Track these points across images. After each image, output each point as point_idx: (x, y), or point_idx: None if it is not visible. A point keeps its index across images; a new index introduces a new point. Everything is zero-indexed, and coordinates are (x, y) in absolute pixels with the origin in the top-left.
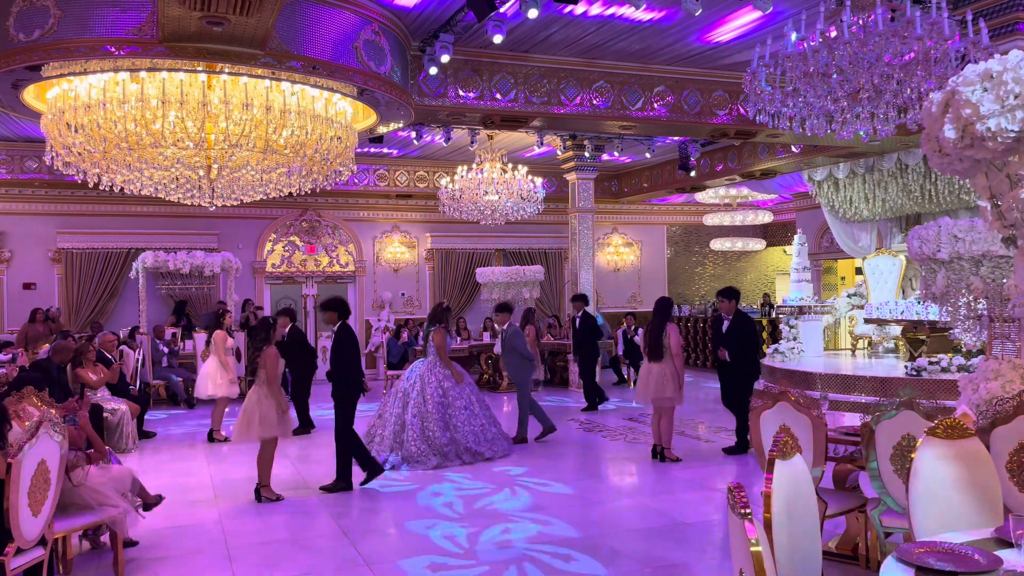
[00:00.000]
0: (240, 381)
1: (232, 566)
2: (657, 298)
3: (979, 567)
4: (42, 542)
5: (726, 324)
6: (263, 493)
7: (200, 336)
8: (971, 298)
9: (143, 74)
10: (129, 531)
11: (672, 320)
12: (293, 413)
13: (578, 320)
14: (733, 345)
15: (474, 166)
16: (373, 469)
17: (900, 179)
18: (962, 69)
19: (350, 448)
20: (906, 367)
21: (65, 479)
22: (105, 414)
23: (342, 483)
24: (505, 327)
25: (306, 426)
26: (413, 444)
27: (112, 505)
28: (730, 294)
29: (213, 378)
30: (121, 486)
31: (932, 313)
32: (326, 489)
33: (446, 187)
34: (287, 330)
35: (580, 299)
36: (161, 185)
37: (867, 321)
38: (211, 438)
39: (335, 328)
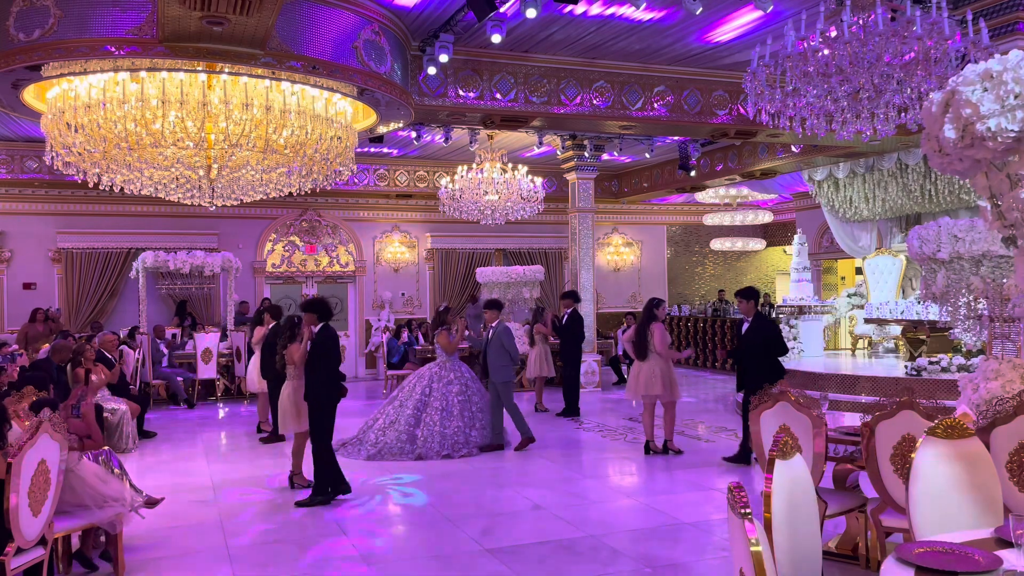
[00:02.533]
0: (241, 380)
1: (232, 566)
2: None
3: (979, 567)
4: (42, 542)
5: (746, 326)
6: (295, 480)
7: (200, 336)
8: (971, 298)
9: (143, 74)
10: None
11: (658, 320)
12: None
13: (566, 318)
14: (755, 348)
15: (474, 166)
16: (324, 492)
17: (900, 179)
18: (962, 69)
19: (323, 458)
20: (906, 367)
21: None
22: (105, 414)
23: (319, 496)
24: (495, 324)
25: None
26: (393, 435)
27: (107, 504)
28: (748, 294)
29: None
30: (118, 490)
31: (932, 313)
32: (301, 504)
33: (446, 187)
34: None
35: (570, 296)
36: (161, 185)
37: (867, 321)
38: (259, 430)
39: (316, 329)
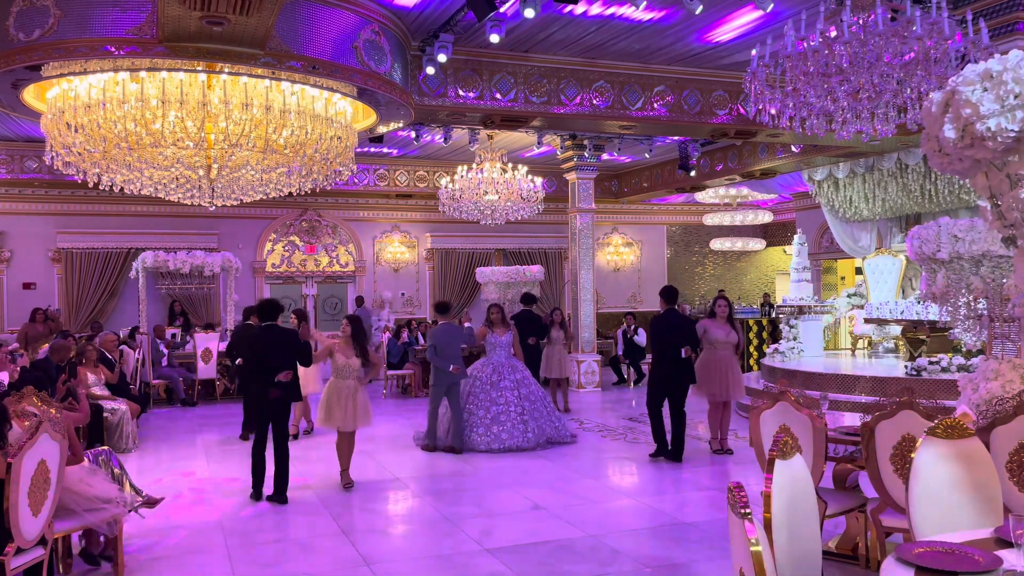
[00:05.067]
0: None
1: (232, 566)
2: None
3: (979, 567)
4: (42, 542)
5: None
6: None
7: (200, 336)
8: (971, 298)
9: (143, 74)
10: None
11: (715, 317)
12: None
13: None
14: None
15: (474, 166)
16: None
17: (900, 179)
18: (962, 69)
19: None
20: (906, 367)
21: None
22: (105, 414)
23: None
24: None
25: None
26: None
27: (99, 508)
28: (662, 291)
29: (308, 377)
30: (107, 491)
31: (932, 313)
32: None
33: (446, 187)
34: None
35: (525, 299)
36: (161, 185)
37: (867, 321)
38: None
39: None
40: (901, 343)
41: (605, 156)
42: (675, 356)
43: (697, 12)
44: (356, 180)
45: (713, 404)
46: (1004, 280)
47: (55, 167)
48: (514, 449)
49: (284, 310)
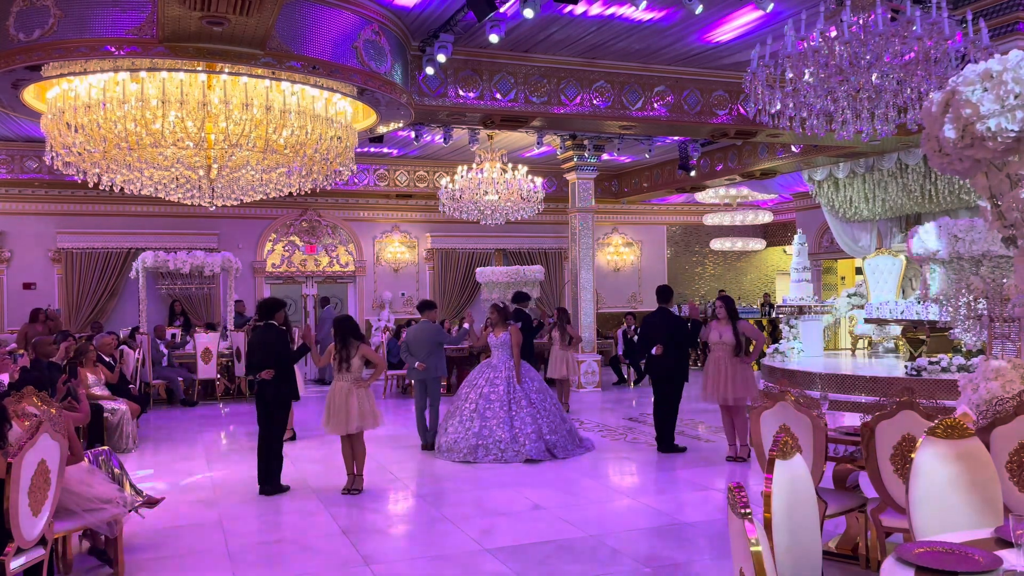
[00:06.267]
0: (241, 380)
1: (232, 566)
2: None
3: (979, 567)
4: (42, 542)
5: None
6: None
7: (200, 336)
8: (971, 298)
9: (143, 74)
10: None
11: (717, 320)
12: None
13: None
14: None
15: (474, 166)
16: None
17: (900, 179)
18: (962, 69)
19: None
20: (906, 367)
21: None
22: (105, 414)
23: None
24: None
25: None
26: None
27: (98, 508)
28: (656, 291)
29: None
30: (107, 492)
31: (932, 313)
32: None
33: (446, 187)
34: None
35: (516, 298)
36: (161, 185)
37: (867, 321)
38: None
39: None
40: (901, 343)
41: (605, 156)
42: (649, 354)
43: (697, 12)
44: (356, 180)
45: (720, 408)
46: (1004, 280)
47: (55, 167)
48: (452, 448)
49: (284, 307)
